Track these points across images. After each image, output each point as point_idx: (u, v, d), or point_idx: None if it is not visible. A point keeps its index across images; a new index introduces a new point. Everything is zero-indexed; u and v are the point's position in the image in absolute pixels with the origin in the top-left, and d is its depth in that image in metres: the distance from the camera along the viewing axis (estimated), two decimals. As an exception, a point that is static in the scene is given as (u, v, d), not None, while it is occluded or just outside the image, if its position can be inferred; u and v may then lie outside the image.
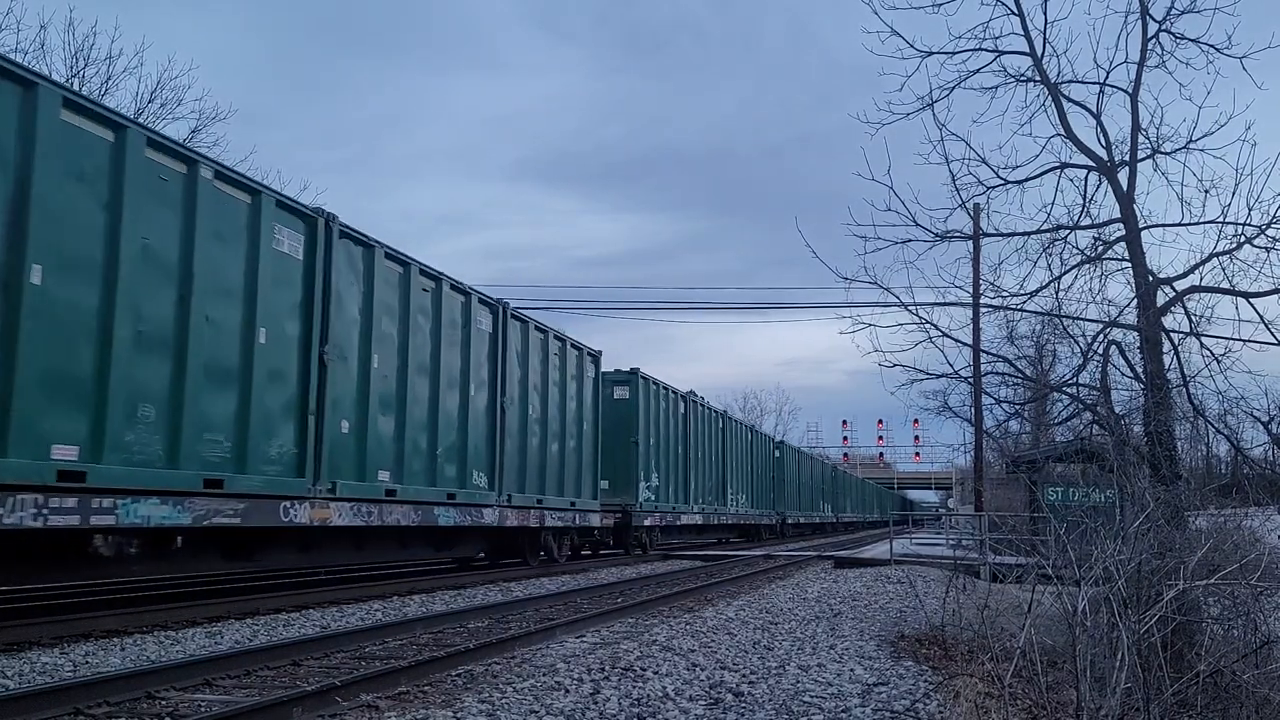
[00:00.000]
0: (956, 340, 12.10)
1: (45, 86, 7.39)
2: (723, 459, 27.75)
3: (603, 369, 19.85)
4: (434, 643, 7.94)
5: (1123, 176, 11.35)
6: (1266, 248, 10.48)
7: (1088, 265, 11.78)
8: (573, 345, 17.32)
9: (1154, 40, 10.92)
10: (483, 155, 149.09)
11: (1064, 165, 11.58)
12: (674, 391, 23.41)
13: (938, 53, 11.02)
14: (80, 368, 7.60)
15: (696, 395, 25.65)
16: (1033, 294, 12.18)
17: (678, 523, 23.21)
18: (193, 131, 22.81)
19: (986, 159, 11.33)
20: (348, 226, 10.98)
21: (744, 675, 6.79)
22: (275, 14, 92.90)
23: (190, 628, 8.64)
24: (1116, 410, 12.18)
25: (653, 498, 21.34)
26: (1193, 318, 11.39)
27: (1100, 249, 11.76)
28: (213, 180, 8.94)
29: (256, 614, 9.68)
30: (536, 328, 15.83)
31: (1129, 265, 11.48)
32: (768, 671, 7.00)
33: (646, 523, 20.84)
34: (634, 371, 20.91)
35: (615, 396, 20.54)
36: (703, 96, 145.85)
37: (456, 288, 13.28)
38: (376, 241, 11.51)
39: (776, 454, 36.49)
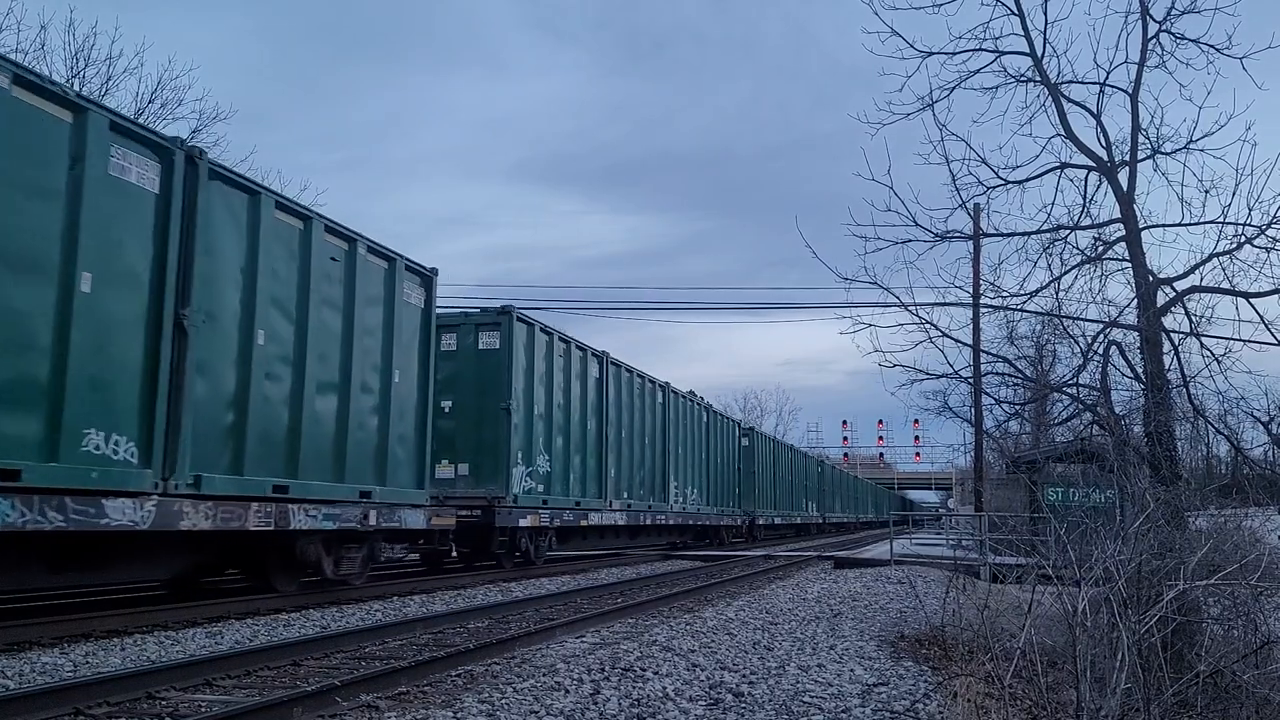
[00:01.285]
0: (956, 340, 12.09)
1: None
2: (664, 443, 21.91)
3: (468, 310, 15.52)
4: (434, 643, 7.94)
5: (1123, 176, 11.35)
6: (1267, 248, 10.48)
7: (1088, 265, 11.77)
8: (373, 250, 11.32)
9: (1154, 40, 10.91)
10: (483, 157, 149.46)
11: (1064, 165, 11.57)
12: (581, 347, 17.64)
13: (938, 53, 11.00)
14: None
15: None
16: (1033, 294, 12.17)
17: (584, 522, 17.46)
18: (193, 131, 22.79)
19: (986, 159, 11.32)
20: None
21: (744, 675, 6.79)
22: (276, 15, 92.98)
23: (190, 628, 8.64)
24: (1116, 410, 12.18)
25: (538, 489, 15.76)
26: (1193, 318, 11.38)
27: (1100, 249, 11.76)
28: None
29: (256, 614, 9.68)
30: (283, 206, 9.99)
31: (1129, 265, 11.47)
32: (768, 672, 7.00)
33: (524, 523, 15.08)
34: (505, 311, 15.03)
35: (481, 346, 15.02)
36: (702, 98, 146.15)
37: (30, 84, 7.38)
38: None
39: (745, 442, 30.64)
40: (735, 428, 30.17)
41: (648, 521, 20.89)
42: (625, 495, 19.59)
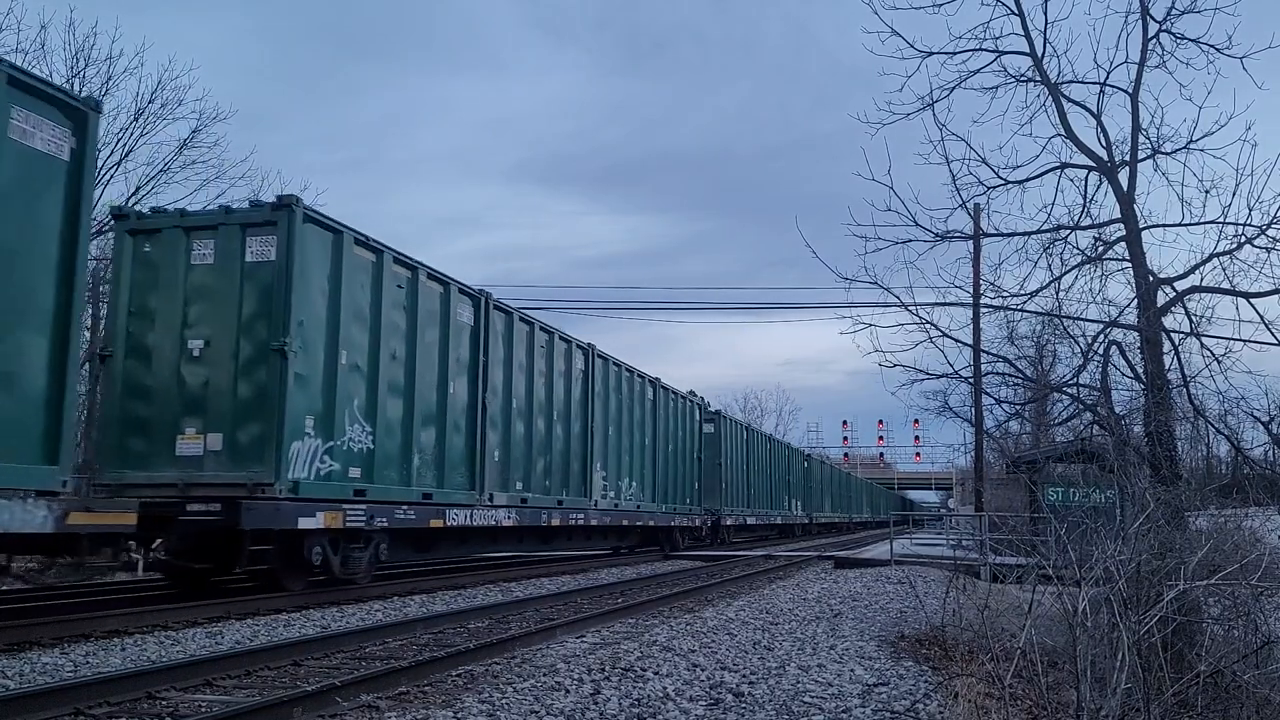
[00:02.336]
0: (957, 340, 12.07)
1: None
2: (586, 422, 17.52)
3: (232, 205, 11.18)
4: (434, 643, 7.94)
5: (1123, 176, 11.34)
6: (1267, 248, 10.47)
7: (1088, 265, 11.76)
8: None
9: (1154, 40, 10.91)
10: (483, 157, 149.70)
11: (1064, 165, 11.56)
12: (439, 279, 12.96)
13: (938, 53, 10.99)
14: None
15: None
16: (1033, 294, 12.16)
17: (436, 523, 12.50)
18: (193, 131, 22.73)
19: (987, 159, 11.30)
20: None
21: (744, 675, 6.80)
22: (276, 15, 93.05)
23: (191, 628, 8.64)
24: (1117, 410, 12.16)
25: (348, 473, 11.04)
26: (1193, 318, 11.38)
27: (1100, 249, 11.75)
28: None
29: (257, 614, 9.68)
30: None
31: (1129, 265, 11.47)
32: (768, 672, 7.00)
33: (311, 523, 10.20)
34: (285, 204, 10.39)
35: (249, 257, 10.49)
36: (702, 98, 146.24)
37: None
38: None
39: (708, 428, 26.01)
40: (695, 410, 24.86)
41: (555, 522, 15.98)
42: (519, 487, 14.85)
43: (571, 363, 17.08)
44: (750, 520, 30.32)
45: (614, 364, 19.24)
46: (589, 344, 17.98)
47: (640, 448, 20.55)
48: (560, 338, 16.77)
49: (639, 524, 20.43)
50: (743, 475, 29.64)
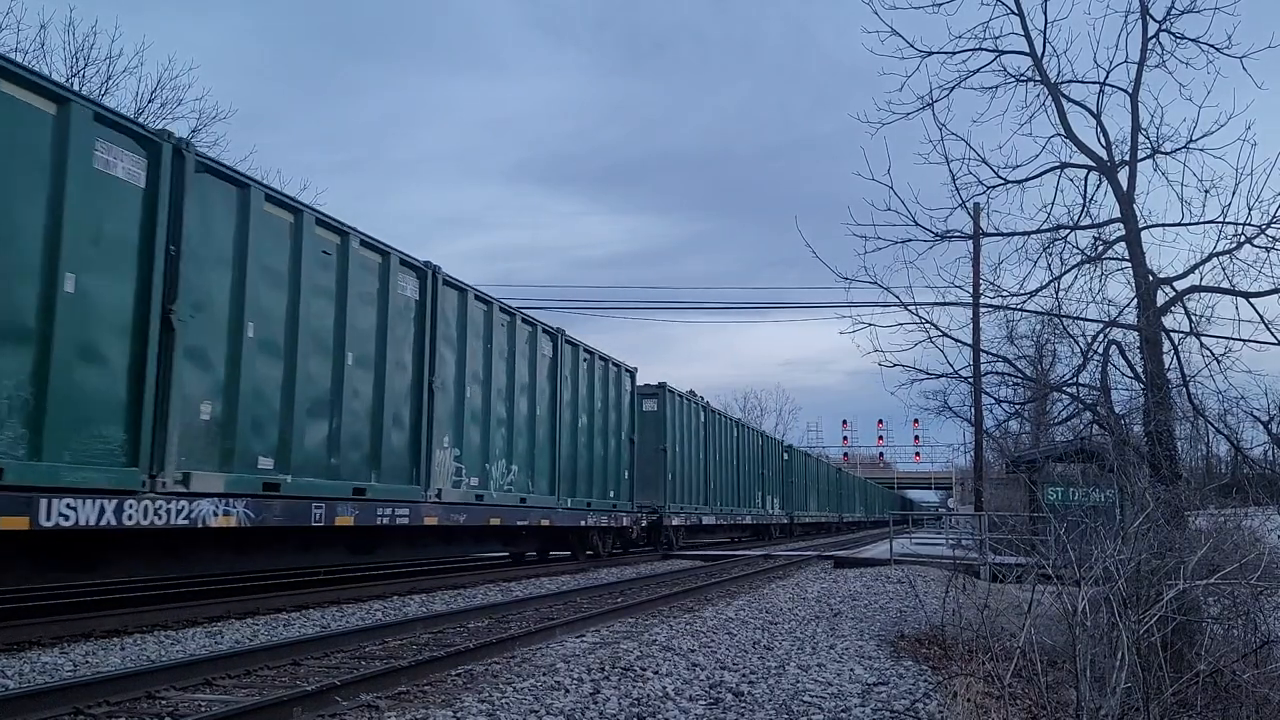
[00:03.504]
0: (956, 340, 12.07)
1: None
2: (422, 372, 11.93)
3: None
4: (434, 642, 7.94)
5: (1123, 176, 11.35)
6: (1266, 248, 10.48)
7: (1088, 265, 11.77)
8: None
9: (1154, 40, 10.92)
10: (483, 157, 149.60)
11: (1064, 165, 11.58)
12: (51, 90, 7.18)
13: (938, 53, 11.00)
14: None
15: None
16: (1033, 294, 12.18)
17: (11, 522, 6.57)
18: (193, 131, 22.77)
19: (986, 159, 11.31)
20: None
21: (744, 675, 6.80)
22: (276, 15, 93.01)
23: (190, 627, 8.64)
24: (1116, 410, 12.18)
25: None
26: (1193, 318, 11.39)
27: (1100, 249, 11.76)
28: None
29: (256, 614, 9.68)
30: None
31: (1129, 265, 11.48)
32: (768, 671, 7.00)
33: None
34: None
35: None
36: (702, 98, 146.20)
37: None
38: None
39: (649, 405, 21.53)
40: (625, 378, 19.24)
41: (345, 519, 10.24)
42: (266, 465, 9.35)
43: (392, 286, 11.34)
44: (708, 519, 25.10)
45: (479, 299, 13.47)
46: (428, 263, 12.17)
47: (529, 420, 14.83)
48: (365, 245, 10.92)
49: (523, 523, 14.56)
50: (698, 465, 24.45)
